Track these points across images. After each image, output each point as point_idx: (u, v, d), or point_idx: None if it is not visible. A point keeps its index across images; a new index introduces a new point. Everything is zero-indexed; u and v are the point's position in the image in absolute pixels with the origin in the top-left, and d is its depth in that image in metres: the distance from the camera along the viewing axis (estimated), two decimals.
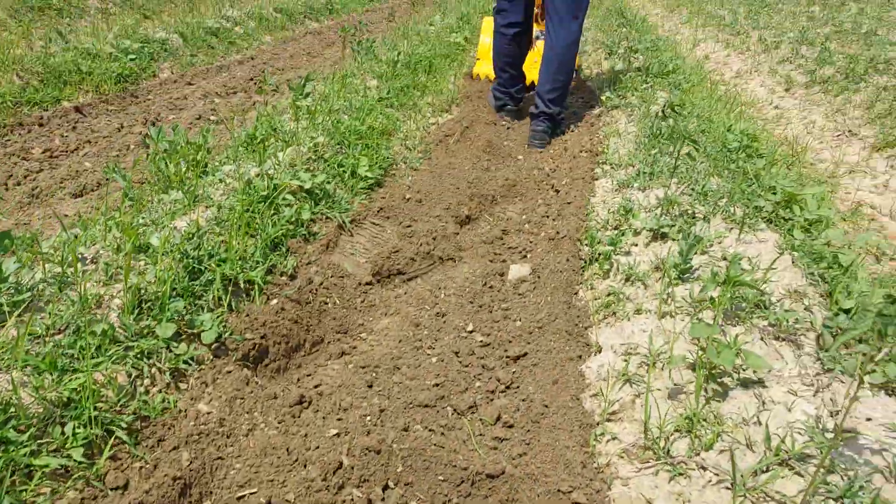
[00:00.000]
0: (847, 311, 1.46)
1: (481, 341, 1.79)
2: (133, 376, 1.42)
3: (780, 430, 1.23)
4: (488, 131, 3.58)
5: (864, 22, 8.01)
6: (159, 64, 4.37)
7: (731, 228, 2.00)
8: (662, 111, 2.65)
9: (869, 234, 1.95)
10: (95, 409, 1.28)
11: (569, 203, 2.56)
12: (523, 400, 1.53)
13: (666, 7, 9.65)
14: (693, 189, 2.28)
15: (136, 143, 3.14)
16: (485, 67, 4.44)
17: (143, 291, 1.59)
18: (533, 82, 4.00)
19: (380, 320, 1.89)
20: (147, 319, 1.54)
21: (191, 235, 1.80)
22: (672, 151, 2.53)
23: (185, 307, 1.61)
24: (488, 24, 4.37)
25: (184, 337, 1.59)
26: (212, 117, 3.65)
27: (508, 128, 3.74)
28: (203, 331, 1.60)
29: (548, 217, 2.54)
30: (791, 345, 1.45)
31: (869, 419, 1.22)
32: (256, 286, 1.78)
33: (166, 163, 2.21)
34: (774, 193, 2.16)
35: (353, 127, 2.83)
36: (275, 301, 1.79)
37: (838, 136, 3.57)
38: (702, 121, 3.10)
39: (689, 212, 2.15)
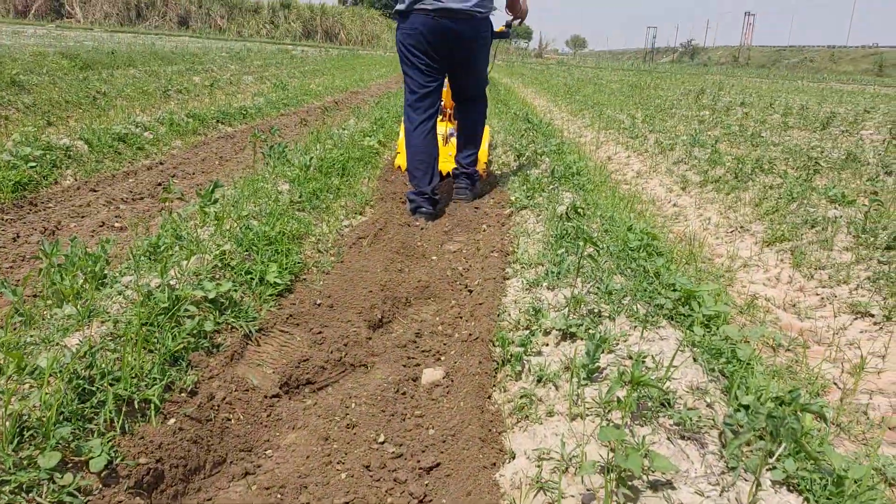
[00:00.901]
0: (746, 407, 1.50)
1: (393, 452, 1.73)
2: None
3: None
4: (402, 233, 3.61)
5: (749, 125, 8.70)
6: (62, 171, 4.25)
7: (635, 326, 2.05)
8: (566, 213, 2.75)
9: (763, 328, 2.04)
10: None
11: (481, 304, 2.58)
12: None
13: (570, 112, 10.23)
14: (598, 288, 2.34)
15: (32, 254, 3.01)
16: (403, 159, 4.66)
17: (25, 418, 1.47)
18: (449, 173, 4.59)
19: (286, 435, 1.81)
20: (29, 449, 1.43)
21: (83, 353, 1.71)
22: (577, 251, 2.61)
23: (72, 432, 1.50)
24: None
25: (70, 466, 1.47)
26: (116, 224, 3.55)
27: (422, 228, 3.79)
28: (91, 458, 1.49)
29: (461, 318, 2.55)
30: (696, 443, 1.47)
31: None
32: (153, 405, 1.69)
33: (61, 276, 2.11)
34: (674, 290, 2.25)
35: (263, 232, 2.81)
36: (172, 420, 1.69)
37: (731, 231, 3.78)
38: (605, 220, 3.24)
39: (596, 310, 2.20)
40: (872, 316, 2.58)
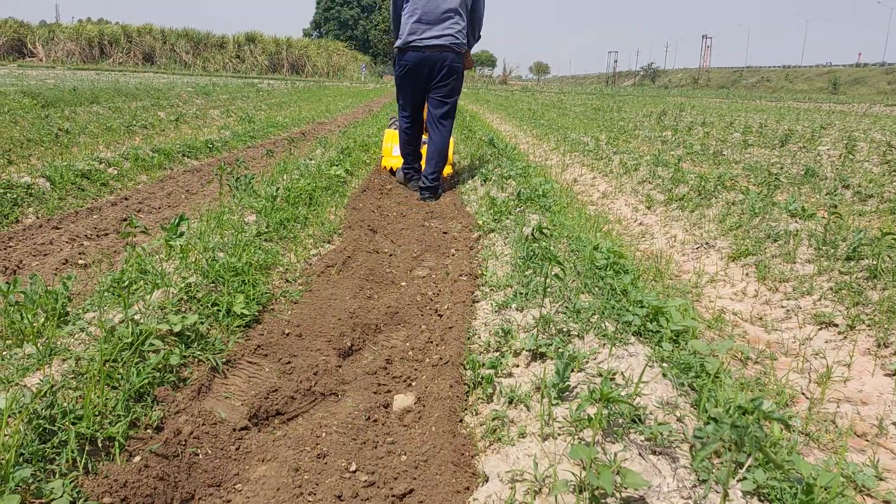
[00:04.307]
0: (716, 420, 1.51)
1: (365, 481, 1.71)
2: None
3: None
4: (371, 260, 3.60)
5: (710, 144, 8.87)
6: (23, 209, 4.17)
7: (604, 344, 2.06)
8: (532, 234, 2.77)
9: (731, 341, 2.06)
10: None
11: (451, 328, 2.57)
12: None
13: (535, 136, 10.34)
14: (567, 307, 2.35)
15: None
16: (388, 161, 6.46)
17: None
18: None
19: (256, 468, 1.78)
20: None
21: (43, 393, 1.66)
22: (543, 272, 2.62)
23: (33, 474, 1.46)
24: (389, 134, 6.58)
25: None
26: (80, 261, 3.49)
27: (391, 255, 3.79)
28: (53, 499, 1.44)
29: (431, 343, 2.54)
30: (667, 458, 1.48)
31: None
32: (117, 443, 1.65)
33: (21, 314, 2.07)
34: (642, 307, 2.27)
35: (230, 263, 2.78)
36: (138, 458, 1.65)
37: (697, 248, 3.83)
38: (572, 240, 3.26)
39: (565, 330, 2.21)
40: (836, 326, 2.62)
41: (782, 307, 2.91)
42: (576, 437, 1.63)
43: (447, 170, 6.06)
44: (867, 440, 1.94)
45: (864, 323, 2.57)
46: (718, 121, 14.09)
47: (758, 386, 2.14)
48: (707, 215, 4.32)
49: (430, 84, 5.32)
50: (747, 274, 3.32)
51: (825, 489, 1.35)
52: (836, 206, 4.05)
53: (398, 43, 5.25)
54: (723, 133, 10.86)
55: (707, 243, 3.84)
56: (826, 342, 2.54)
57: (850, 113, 22.07)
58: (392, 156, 6.41)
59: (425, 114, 5.79)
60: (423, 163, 5.77)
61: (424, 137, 6.06)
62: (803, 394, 2.19)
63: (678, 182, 5.21)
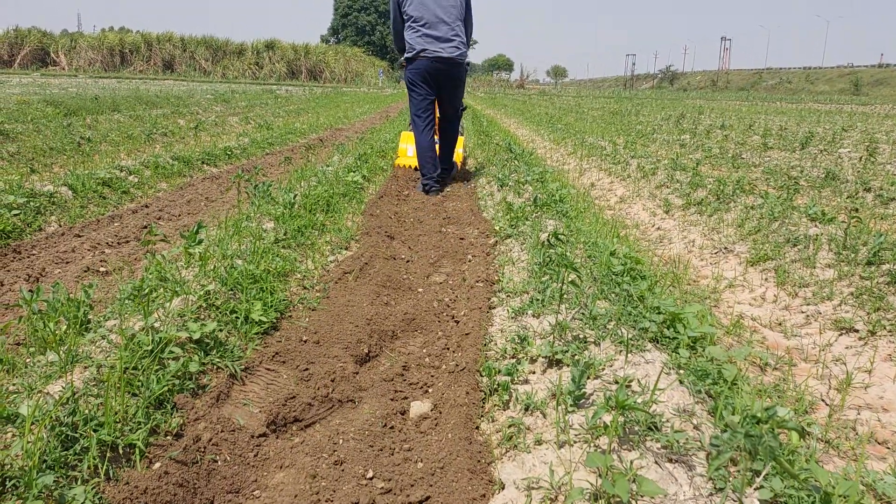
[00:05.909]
0: (732, 428, 1.50)
1: (382, 487, 1.72)
2: None
3: None
4: (388, 266, 3.62)
5: (729, 147, 8.81)
6: (46, 217, 4.24)
7: (621, 351, 2.06)
8: (548, 239, 2.77)
9: (749, 348, 2.05)
10: None
11: (467, 334, 2.58)
12: None
13: (553, 141, 10.32)
14: (583, 314, 2.35)
15: (15, 301, 2.98)
16: (401, 160, 6.93)
17: (6, 467, 1.46)
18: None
19: (274, 474, 1.80)
20: (11, 499, 1.41)
21: (65, 400, 1.69)
22: (559, 278, 2.62)
23: (55, 481, 1.48)
24: (404, 135, 7.07)
25: None
26: (101, 269, 3.54)
27: (408, 261, 3.80)
28: None
29: (448, 349, 2.55)
30: (684, 466, 1.47)
31: None
32: (137, 450, 1.67)
33: (44, 322, 2.10)
34: (659, 313, 2.26)
35: (248, 271, 2.80)
36: (158, 464, 1.67)
37: (716, 253, 3.81)
38: (588, 246, 3.26)
39: (581, 336, 2.21)
40: (857, 331, 2.60)
41: (802, 312, 2.88)
42: (592, 444, 1.63)
43: (458, 160, 6.76)
44: (888, 447, 1.92)
45: (885, 328, 2.54)
46: (738, 123, 13.99)
47: (776, 393, 2.13)
48: (725, 220, 4.29)
49: (439, 90, 5.87)
50: (766, 279, 3.30)
51: (843, 497, 1.34)
52: (856, 210, 4.00)
53: (408, 54, 5.77)
54: (742, 136, 10.78)
55: (725, 248, 3.82)
56: (846, 348, 2.52)
57: (873, 114, 21.81)
58: (407, 156, 6.92)
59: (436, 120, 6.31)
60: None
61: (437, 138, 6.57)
62: (823, 400, 2.17)
63: (696, 186, 5.18)
